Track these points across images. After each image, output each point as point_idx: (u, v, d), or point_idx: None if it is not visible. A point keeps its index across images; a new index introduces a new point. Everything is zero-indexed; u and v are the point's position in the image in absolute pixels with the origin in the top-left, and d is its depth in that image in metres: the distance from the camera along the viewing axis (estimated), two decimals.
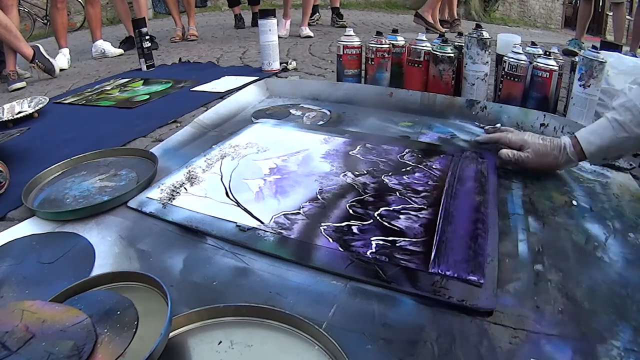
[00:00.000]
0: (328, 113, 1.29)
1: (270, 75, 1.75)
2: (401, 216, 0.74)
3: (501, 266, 0.63)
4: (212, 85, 1.65)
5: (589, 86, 1.09)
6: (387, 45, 1.38)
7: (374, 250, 0.66)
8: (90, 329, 0.49)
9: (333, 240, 0.68)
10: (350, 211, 0.76)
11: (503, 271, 0.62)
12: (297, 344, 0.50)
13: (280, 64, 1.83)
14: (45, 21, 4.92)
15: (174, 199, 0.82)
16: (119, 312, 0.52)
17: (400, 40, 1.45)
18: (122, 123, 1.33)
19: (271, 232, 0.71)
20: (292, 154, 0.99)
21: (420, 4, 3.23)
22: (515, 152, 0.88)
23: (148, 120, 1.32)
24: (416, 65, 1.35)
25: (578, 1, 6.10)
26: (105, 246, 0.70)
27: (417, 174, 0.89)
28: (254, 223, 0.73)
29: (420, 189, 0.83)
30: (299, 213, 0.76)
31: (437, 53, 1.29)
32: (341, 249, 0.66)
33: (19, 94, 1.85)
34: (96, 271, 0.64)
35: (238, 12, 3.51)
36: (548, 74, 1.16)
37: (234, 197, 0.82)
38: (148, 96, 1.58)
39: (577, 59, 1.16)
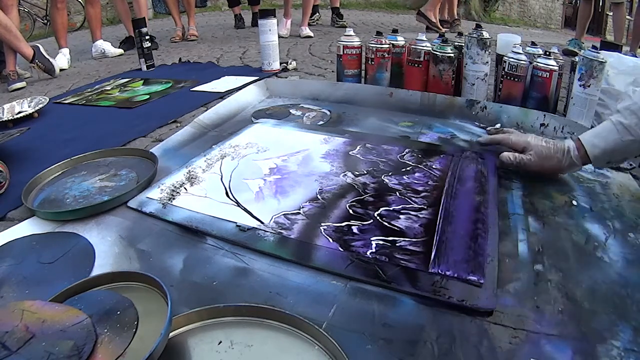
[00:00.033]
0: (328, 113, 1.29)
1: (270, 75, 1.75)
2: (401, 216, 0.74)
3: (501, 266, 0.63)
4: (212, 85, 1.65)
5: (589, 86, 1.09)
6: (387, 45, 1.38)
7: (374, 250, 0.66)
8: (90, 329, 0.49)
9: (333, 240, 0.68)
10: (350, 211, 0.76)
11: (503, 271, 0.62)
12: (297, 344, 0.50)
13: (280, 64, 1.83)
14: (45, 21, 4.93)
15: (174, 199, 0.82)
16: (119, 312, 0.52)
17: (400, 40, 1.45)
18: (122, 123, 1.33)
19: (271, 232, 0.71)
20: (292, 154, 0.99)
21: (420, 4, 3.23)
22: (517, 154, 0.86)
23: (148, 120, 1.32)
24: (416, 65, 1.35)
25: (578, 1, 6.10)
26: (105, 246, 0.70)
27: (417, 174, 0.89)
28: (254, 223, 0.73)
29: (420, 189, 0.83)
30: (299, 213, 0.76)
31: (437, 53, 1.29)
32: (341, 249, 0.66)
33: (19, 94, 1.85)
34: (96, 271, 0.64)
35: (238, 12, 3.51)
36: (548, 74, 1.16)
37: (234, 197, 0.82)
38: (148, 96, 1.58)
39: (577, 59, 1.16)
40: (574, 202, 0.79)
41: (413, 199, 0.80)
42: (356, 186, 0.85)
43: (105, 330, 0.49)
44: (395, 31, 1.48)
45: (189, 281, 0.62)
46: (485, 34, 1.24)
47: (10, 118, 1.34)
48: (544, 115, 1.11)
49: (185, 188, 0.86)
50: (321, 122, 1.22)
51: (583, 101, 1.11)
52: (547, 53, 1.19)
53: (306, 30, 2.81)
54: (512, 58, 1.18)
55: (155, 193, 0.84)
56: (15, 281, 0.63)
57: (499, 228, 0.71)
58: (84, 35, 3.52)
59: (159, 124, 1.28)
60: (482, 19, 5.47)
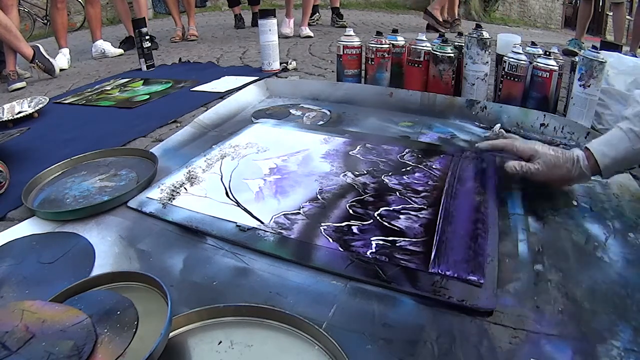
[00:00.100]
0: (328, 113, 1.29)
1: (270, 75, 1.75)
2: (401, 216, 0.74)
3: (501, 266, 0.63)
4: (212, 85, 1.65)
5: (589, 86, 1.09)
6: (387, 45, 1.38)
7: (374, 250, 0.66)
8: (90, 329, 0.49)
9: (333, 240, 0.68)
10: (350, 211, 0.76)
11: (503, 271, 0.62)
12: (297, 344, 0.50)
13: (280, 64, 1.83)
14: (45, 21, 4.92)
15: (174, 199, 0.82)
16: (119, 312, 0.52)
17: (400, 40, 1.45)
18: (122, 123, 1.33)
19: (271, 232, 0.71)
20: (292, 154, 0.99)
21: (421, 3, 3.23)
22: (523, 163, 0.80)
23: (148, 120, 1.32)
24: (416, 65, 1.35)
25: (578, 1, 6.10)
26: (105, 246, 0.70)
27: (417, 174, 0.89)
28: (254, 223, 0.73)
29: (420, 189, 0.83)
30: (299, 213, 0.76)
31: (437, 53, 1.29)
32: (341, 249, 0.66)
33: (19, 94, 1.85)
34: (96, 271, 0.64)
35: (238, 12, 3.51)
36: (548, 74, 1.16)
37: (234, 197, 0.82)
38: (148, 96, 1.58)
39: (577, 59, 1.16)
40: (574, 202, 0.79)
41: (413, 199, 0.80)
42: (356, 186, 0.84)
43: (105, 330, 0.49)
44: (395, 31, 1.48)
45: (189, 281, 0.62)
46: (485, 34, 1.24)
47: (10, 118, 1.34)
48: (544, 115, 1.11)
49: (185, 188, 0.86)
50: (321, 122, 1.22)
51: (583, 101, 1.11)
52: (547, 53, 1.19)
53: (306, 30, 2.81)
54: (512, 58, 1.18)
55: (155, 193, 0.84)
56: (15, 281, 0.63)
57: (499, 228, 0.71)
58: (84, 35, 3.52)
59: (159, 124, 1.28)
60: (482, 19, 5.47)
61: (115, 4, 2.87)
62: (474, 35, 1.24)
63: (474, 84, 1.28)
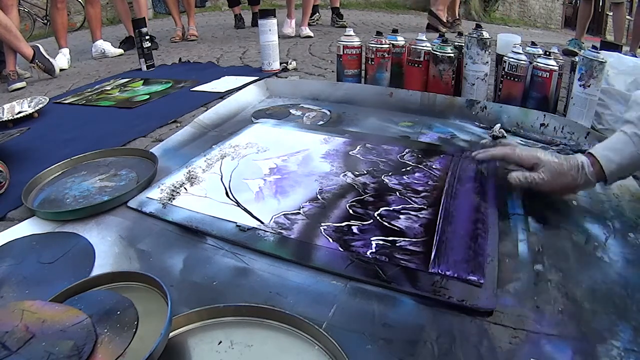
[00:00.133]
0: (328, 113, 1.29)
1: (270, 75, 1.75)
2: (401, 216, 0.74)
3: (501, 266, 0.63)
4: (212, 85, 1.64)
5: (589, 86, 1.09)
6: (387, 45, 1.38)
7: (374, 250, 0.66)
8: (90, 329, 0.49)
9: (333, 240, 0.68)
10: (350, 211, 0.76)
11: (503, 271, 0.62)
12: (297, 344, 0.50)
13: (280, 64, 1.83)
14: (45, 21, 4.92)
15: (174, 199, 0.82)
16: (119, 312, 0.52)
17: (400, 40, 1.45)
18: (122, 123, 1.33)
19: (271, 232, 0.71)
20: (292, 154, 0.99)
21: (421, 3, 3.23)
22: (527, 174, 0.76)
23: (148, 120, 1.32)
24: (416, 65, 1.35)
25: (578, 1, 6.10)
26: (105, 246, 0.70)
27: (417, 174, 0.89)
28: (254, 223, 0.73)
29: (420, 189, 0.83)
30: (299, 213, 0.76)
31: (437, 53, 1.29)
32: (341, 249, 0.66)
33: (19, 94, 1.85)
34: (96, 271, 0.64)
35: (238, 12, 3.51)
36: (548, 74, 1.16)
37: (234, 197, 0.82)
38: (148, 96, 1.58)
39: (577, 59, 1.16)
40: (574, 202, 0.79)
41: (413, 199, 0.80)
42: (356, 186, 0.84)
43: (105, 330, 0.49)
44: (395, 31, 1.48)
45: (189, 281, 0.62)
46: (485, 34, 1.24)
47: (10, 118, 1.34)
48: (544, 115, 1.11)
49: (185, 188, 0.86)
50: (321, 122, 1.22)
51: (583, 101, 1.11)
52: (547, 53, 1.19)
53: (306, 30, 2.81)
54: (512, 58, 1.18)
55: (155, 193, 0.84)
56: (15, 281, 0.63)
57: (499, 228, 0.71)
58: (84, 35, 3.52)
59: (159, 124, 1.28)
60: (482, 19, 5.47)
61: (115, 4, 2.87)
62: (474, 35, 1.24)
63: (474, 84, 1.28)
